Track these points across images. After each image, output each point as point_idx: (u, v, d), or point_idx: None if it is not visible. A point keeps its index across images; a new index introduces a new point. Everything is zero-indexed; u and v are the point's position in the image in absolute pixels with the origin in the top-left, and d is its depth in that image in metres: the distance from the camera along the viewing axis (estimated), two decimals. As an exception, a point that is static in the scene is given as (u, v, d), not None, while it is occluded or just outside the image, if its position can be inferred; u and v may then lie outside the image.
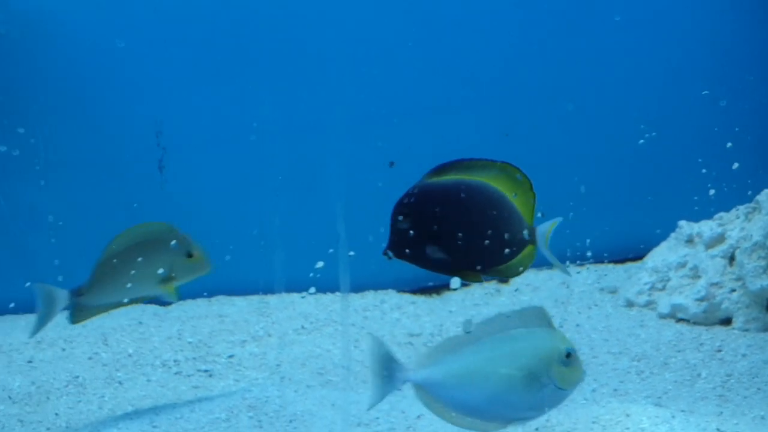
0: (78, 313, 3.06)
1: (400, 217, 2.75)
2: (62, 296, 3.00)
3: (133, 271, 3.04)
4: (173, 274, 2.96)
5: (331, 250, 3.32)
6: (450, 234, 2.73)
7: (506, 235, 2.75)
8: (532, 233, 2.74)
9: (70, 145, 3.22)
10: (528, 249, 2.80)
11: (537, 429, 3.05)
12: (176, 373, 3.16)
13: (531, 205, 2.78)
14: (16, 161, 3.04)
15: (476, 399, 2.82)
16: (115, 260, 2.96)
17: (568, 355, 2.87)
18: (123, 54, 3.06)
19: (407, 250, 2.72)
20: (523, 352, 2.84)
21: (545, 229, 2.78)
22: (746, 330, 3.10)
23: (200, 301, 3.58)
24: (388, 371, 2.88)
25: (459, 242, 2.73)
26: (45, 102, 3.19)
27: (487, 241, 2.74)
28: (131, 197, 3.29)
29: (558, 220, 2.78)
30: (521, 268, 2.84)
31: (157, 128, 3.20)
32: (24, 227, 3.24)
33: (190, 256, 2.93)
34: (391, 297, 3.72)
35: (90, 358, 3.14)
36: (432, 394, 2.80)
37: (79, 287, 2.90)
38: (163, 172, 3.20)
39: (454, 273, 2.84)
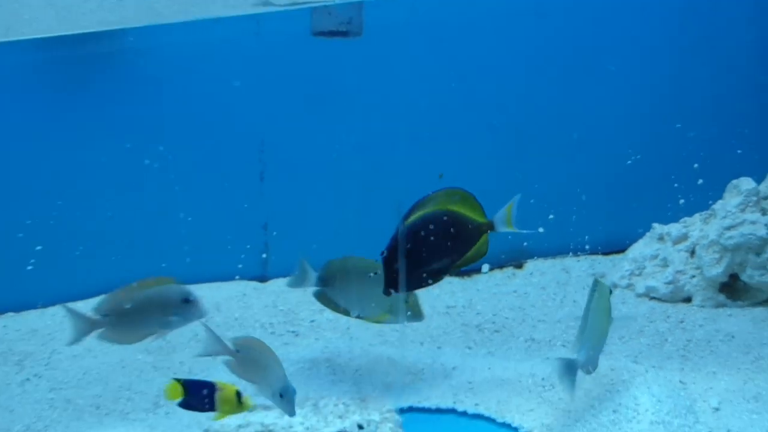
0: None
1: (388, 263, 2.86)
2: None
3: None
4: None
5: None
6: (428, 258, 2.87)
7: (466, 238, 3.00)
8: (489, 225, 2.90)
9: (195, 160, 3.38)
10: (483, 237, 2.93)
11: (543, 378, 3.11)
12: (271, 333, 3.32)
13: (478, 208, 2.92)
14: (156, 172, 3.26)
15: None
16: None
17: None
18: (237, 90, 3.26)
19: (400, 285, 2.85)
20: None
21: (504, 214, 2.93)
22: (703, 306, 3.23)
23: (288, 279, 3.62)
24: None
25: (435, 261, 2.94)
26: (178, 126, 3.39)
27: (453, 249, 2.94)
28: (239, 201, 3.47)
29: (515, 198, 2.92)
30: (483, 250, 3.02)
31: (259, 147, 3.42)
32: (164, 221, 3.49)
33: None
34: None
35: (208, 320, 3.29)
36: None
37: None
38: (263, 181, 3.41)
39: (438, 279, 3.08)
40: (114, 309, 2.80)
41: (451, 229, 2.90)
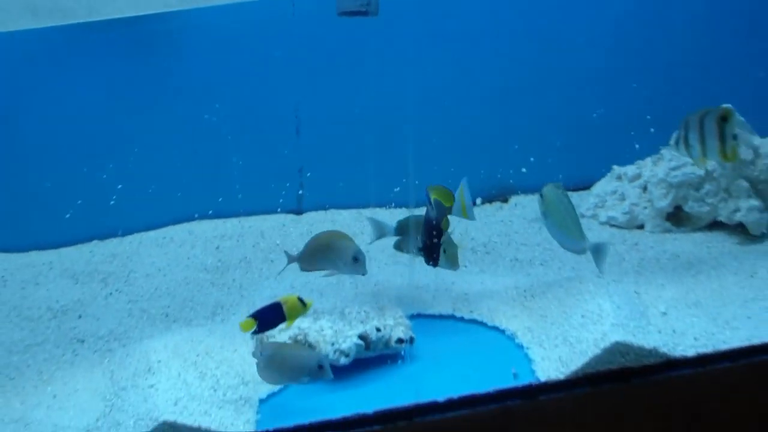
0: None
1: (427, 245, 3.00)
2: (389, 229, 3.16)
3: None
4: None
5: (403, 180, 3.63)
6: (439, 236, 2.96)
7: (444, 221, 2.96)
8: (448, 209, 2.96)
9: (244, 116, 3.47)
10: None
11: (525, 290, 3.19)
12: None
13: (448, 197, 2.98)
14: (214, 125, 3.28)
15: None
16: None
17: None
18: (278, 60, 3.34)
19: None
20: None
21: (458, 195, 2.99)
22: (653, 232, 3.27)
23: (320, 212, 3.69)
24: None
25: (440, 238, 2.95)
26: (230, 90, 3.44)
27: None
28: (280, 149, 3.52)
29: (463, 181, 2.99)
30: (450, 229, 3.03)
31: (295, 107, 3.46)
32: (220, 164, 3.48)
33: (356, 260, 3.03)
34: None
35: (253, 246, 3.28)
36: None
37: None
38: (299, 134, 3.50)
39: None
40: (307, 251, 3.01)
41: (442, 215, 2.98)
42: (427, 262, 2.99)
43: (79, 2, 2.44)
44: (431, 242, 2.98)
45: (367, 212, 3.53)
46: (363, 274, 3.05)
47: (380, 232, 3.12)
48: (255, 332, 2.72)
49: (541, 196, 3.17)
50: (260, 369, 2.74)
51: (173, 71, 3.23)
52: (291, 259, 3.07)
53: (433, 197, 2.96)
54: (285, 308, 2.73)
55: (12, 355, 2.90)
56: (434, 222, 2.95)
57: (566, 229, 3.13)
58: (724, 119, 2.93)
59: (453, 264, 3.05)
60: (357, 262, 3.02)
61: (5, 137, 3.14)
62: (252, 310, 2.95)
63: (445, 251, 3.07)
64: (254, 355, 2.79)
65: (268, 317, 2.70)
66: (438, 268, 3.09)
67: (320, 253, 3.08)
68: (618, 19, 3.58)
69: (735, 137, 2.95)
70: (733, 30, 3.40)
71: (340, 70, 3.37)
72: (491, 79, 3.56)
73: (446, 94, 3.49)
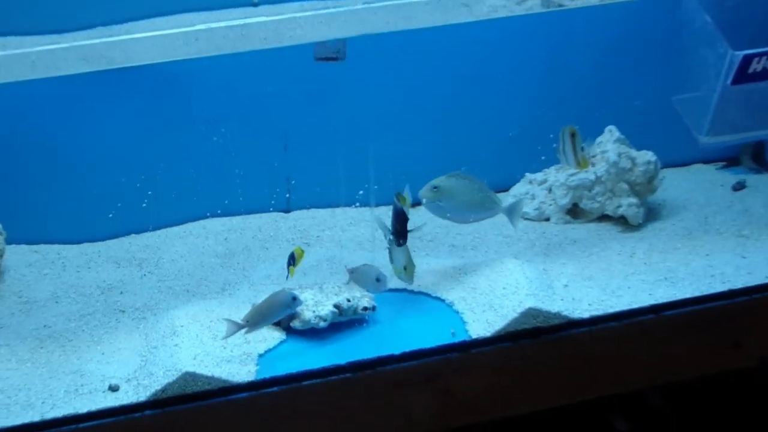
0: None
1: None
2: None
3: None
4: None
5: (365, 186, 3.41)
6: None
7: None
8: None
9: (243, 139, 3.41)
10: None
11: (460, 269, 3.23)
12: (293, 244, 3.32)
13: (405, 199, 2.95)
14: (221, 144, 3.28)
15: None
16: None
17: None
18: (270, 93, 3.28)
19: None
20: None
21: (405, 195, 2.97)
22: (557, 224, 3.33)
23: (303, 211, 3.63)
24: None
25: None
26: (233, 119, 3.36)
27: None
28: (271, 162, 3.48)
29: (406, 187, 2.97)
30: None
31: (284, 130, 3.44)
32: (226, 174, 3.42)
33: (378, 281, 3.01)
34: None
35: (253, 237, 3.36)
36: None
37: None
38: (286, 150, 3.42)
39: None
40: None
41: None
42: (397, 243, 2.98)
43: (120, 53, 2.49)
44: (400, 227, 2.98)
45: (339, 210, 3.53)
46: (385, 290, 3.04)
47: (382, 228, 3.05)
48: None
49: (436, 189, 3.13)
50: (251, 326, 2.79)
51: (190, 103, 3.18)
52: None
53: (395, 199, 2.95)
54: (295, 254, 2.86)
55: (70, 322, 2.94)
56: (400, 212, 2.95)
57: (476, 202, 3.17)
58: (572, 135, 3.02)
59: (410, 279, 3.05)
60: (379, 282, 3.01)
61: (66, 158, 3.14)
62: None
63: (405, 269, 3.04)
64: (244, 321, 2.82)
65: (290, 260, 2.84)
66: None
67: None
68: (528, 65, 3.56)
69: (583, 149, 3.02)
70: (618, 68, 3.40)
71: (318, 102, 3.34)
72: (435, 109, 3.55)
73: (399, 121, 3.46)
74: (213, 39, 2.57)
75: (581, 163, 3.06)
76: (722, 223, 3.22)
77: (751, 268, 3.06)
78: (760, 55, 2.47)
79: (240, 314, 2.86)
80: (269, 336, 2.91)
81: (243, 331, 2.76)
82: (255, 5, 3.09)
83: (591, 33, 3.28)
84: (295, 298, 2.82)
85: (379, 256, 3.12)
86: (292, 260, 2.89)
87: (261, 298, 2.91)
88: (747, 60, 2.43)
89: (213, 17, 3.06)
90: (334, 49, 2.94)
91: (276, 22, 2.57)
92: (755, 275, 3.03)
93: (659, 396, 3.55)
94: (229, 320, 2.77)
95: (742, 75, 2.47)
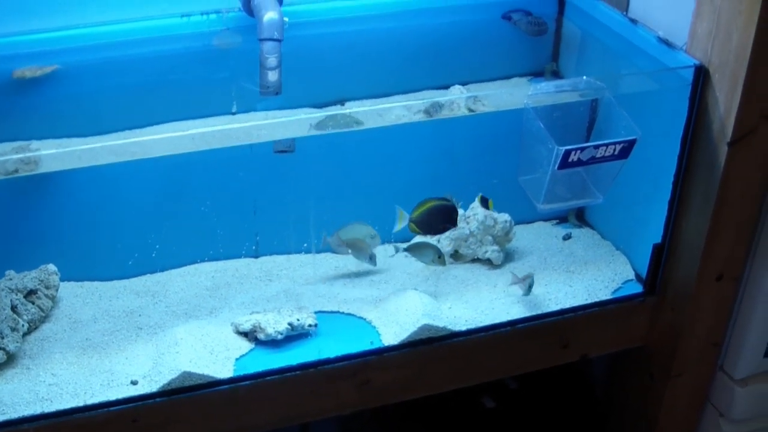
0: None
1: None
2: None
3: None
4: None
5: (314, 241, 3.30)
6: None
7: None
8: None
9: (223, 209, 3.27)
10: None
11: (377, 297, 3.16)
12: (261, 281, 3.27)
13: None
14: (207, 215, 3.16)
15: None
16: None
17: None
18: (242, 178, 3.14)
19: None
20: None
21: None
22: (446, 264, 3.22)
23: (268, 257, 3.43)
24: None
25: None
26: (213, 195, 3.22)
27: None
28: (243, 222, 3.33)
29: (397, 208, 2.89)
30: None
31: (253, 200, 3.26)
32: (210, 233, 3.27)
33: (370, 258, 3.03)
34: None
35: (232, 275, 3.29)
36: None
37: None
38: (255, 214, 3.28)
39: None
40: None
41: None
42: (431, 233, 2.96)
43: (141, 148, 2.51)
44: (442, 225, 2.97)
45: (293, 256, 3.41)
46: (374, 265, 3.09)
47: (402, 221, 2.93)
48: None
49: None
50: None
51: (189, 183, 3.17)
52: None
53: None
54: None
55: (104, 336, 2.96)
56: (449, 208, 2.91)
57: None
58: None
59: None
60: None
61: (102, 222, 3.13)
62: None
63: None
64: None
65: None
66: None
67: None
68: (421, 159, 3.40)
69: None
70: (484, 158, 3.35)
71: (277, 181, 3.24)
72: (360, 187, 3.39)
73: (335, 194, 3.34)
74: (205, 138, 2.57)
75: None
76: (556, 263, 3.29)
77: (575, 294, 3.19)
78: (576, 149, 2.59)
79: (224, 329, 2.94)
80: (242, 345, 2.96)
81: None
82: (233, 114, 3.16)
83: (468, 136, 3.32)
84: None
85: (321, 288, 3.16)
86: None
87: (239, 319, 2.98)
88: (567, 153, 2.55)
89: (203, 123, 3.17)
90: (286, 144, 2.93)
91: (248, 127, 2.61)
92: (578, 298, 3.17)
93: (515, 381, 3.76)
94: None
95: (565, 163, 2.57)
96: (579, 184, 3.05)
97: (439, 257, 3.10)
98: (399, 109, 2.79)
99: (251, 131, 2.68)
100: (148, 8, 3.09)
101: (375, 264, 3.20)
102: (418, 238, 3.25)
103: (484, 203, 3.12)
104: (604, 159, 2.80)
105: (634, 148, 2.77)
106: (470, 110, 2.81)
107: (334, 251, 3.23)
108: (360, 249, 3.15)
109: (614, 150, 2.79)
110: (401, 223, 3.00)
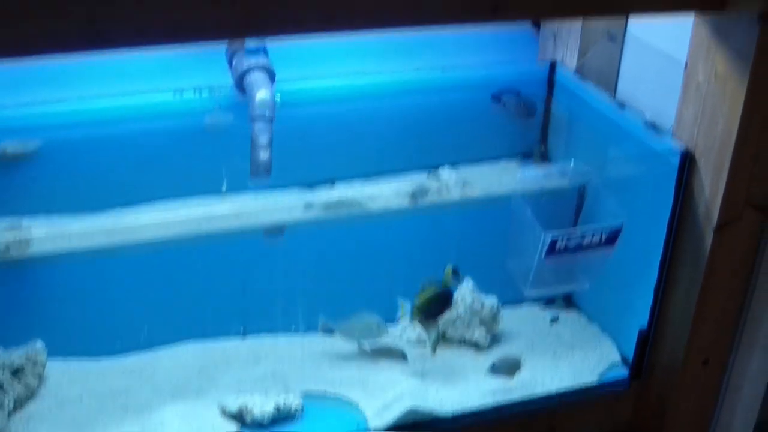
0: None
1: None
2: None
3: None
4: None
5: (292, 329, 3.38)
6: None
7: None
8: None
9: (216, 326, 3.35)
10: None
11: (364, 381, 3.17)
12: (246, 361, 3.27)
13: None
14: (199, 322, 3.20)
15: None
16: None
17: None
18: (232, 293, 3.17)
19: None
20: None
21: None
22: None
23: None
24: None
25: None
26: (210, 308, 3.30)
27: None
28: (233, 339, 3.29)
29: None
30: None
31: (243, 323, 3.34)
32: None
33: None
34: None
35: (219, 355, 3.28)
36: None
37: None
38: (244, 337, 3.26)
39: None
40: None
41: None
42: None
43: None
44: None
45: (282, 337, 3.44)
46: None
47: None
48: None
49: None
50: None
51: (175, 266, 3.13)
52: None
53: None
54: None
55: (89, 415, 2.96)
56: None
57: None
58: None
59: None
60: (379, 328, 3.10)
61: (90, 305, 3.13)
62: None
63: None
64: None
65: None
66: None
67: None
68: (406, 249, 3.38)
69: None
70: (472, 245, 3.33)
71: (266, 259, 3.22)
72: (343, 275, 3.38)
73: (318, 286, 3.35)
74: (194, 222, 2.73)
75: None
76: (542, 346, 3.29)
77: (561, 377, 3.20)
78: (563, 237, 2.67)
79: (210, 411, 2.97)
80: (229, 428, 2.98)
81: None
82: (223, 193, 3.12)
83: (457, 226, 3.31)
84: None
85: (308, 371, 3.18)
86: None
87: (226, 400, 2.99)
88: (554, 241, 2.61)
89: (192, 202, 3.19)
90: (276, 229, 2.93)
91: (238, 212, 2.80)
92: (564, 381, 3.18)
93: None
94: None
95: (551, 250, 2.63)
96: (566, 270, 3.07)
97: (378, 327, 3.15)
98: (389, 195, 2.92)
99: (241, 215, 2.83)
100: (140, 82, 3.09)
101: (369, 349, 3.22)
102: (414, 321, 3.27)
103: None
104: (590, 247, 2.84)
105: (620, 236, 2.77)
106: (460, 196, 2.92)
107: (341, 335, 3.27)
108: (369, 332, 3.21)
109: (600, 238, 2.81)
110: (404, 315, 3.11)
